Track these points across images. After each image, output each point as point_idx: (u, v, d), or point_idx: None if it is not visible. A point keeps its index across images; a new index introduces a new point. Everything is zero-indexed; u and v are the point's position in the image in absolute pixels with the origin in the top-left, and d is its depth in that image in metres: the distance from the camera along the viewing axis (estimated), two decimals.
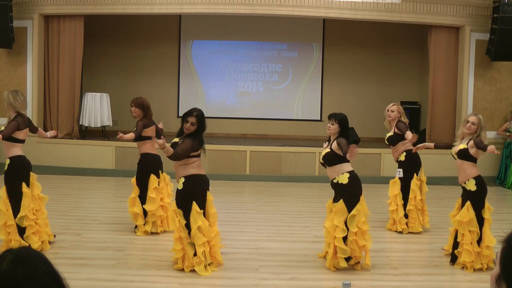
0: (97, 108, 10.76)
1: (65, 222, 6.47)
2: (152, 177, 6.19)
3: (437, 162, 10.42)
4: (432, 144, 6.40)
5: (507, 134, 10.41)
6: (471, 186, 5.18)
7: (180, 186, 4.90)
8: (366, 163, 10.07)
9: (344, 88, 12.76)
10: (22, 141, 5.42)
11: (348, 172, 5.08)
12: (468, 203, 5.16)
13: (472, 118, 5.28)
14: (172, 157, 4.80)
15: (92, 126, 10.84)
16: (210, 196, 5.04)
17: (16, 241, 5.26)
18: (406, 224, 6.56)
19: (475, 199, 5.17)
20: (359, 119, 10.76)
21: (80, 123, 10.93)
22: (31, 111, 9.93)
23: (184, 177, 4.89)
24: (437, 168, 10.35)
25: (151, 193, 6.14)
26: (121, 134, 6.01)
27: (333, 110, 5.46)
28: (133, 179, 6.32)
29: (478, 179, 5.21)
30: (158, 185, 6.25)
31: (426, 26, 10.95)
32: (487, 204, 5.23)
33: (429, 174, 10.08)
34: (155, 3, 10.21)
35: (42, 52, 10.58)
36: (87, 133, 11.01)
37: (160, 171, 6.33)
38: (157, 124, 6.49)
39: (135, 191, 6.24)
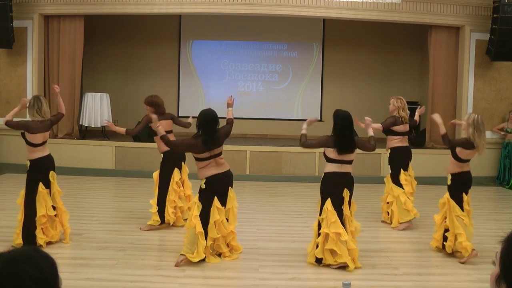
0: (97, 108, 10.76)
1: None
2: (176, 171, 6.45)
3: (436, 162, 10.42)
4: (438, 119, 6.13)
5: (502, 133, 10.41)
6: (448, 180, 5.64)
7: (203, 186, 5.18)
8: (366, 163, 10.07)
9: (344, 88, 12.76)
10: (38, 145, 5.57)
11: (324, 173, 5.25)
12: (446, 193, 5.63)
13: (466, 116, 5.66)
14: (165, 143, 5.26)
15: (92, 126, 10.85)
16: (232, 192, 5.28)
17: (17, 235, 5.53)
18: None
19: (451, 190, 5.58)
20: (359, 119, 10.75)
21: (80, 123, 10.93)
22: None
23: (206, 178, 5.16)
24: (437, 168, 10.35)
25: (173, 184, 6.41)
26: (111, 124, 6.16)
27: (333, 110, 5.45)
28: (155, 174, 6.54)
29: (454, 176, 5.59)
30: (181, 177, 6.52)
31: (426, 26, 10.95)
32: (465, 197, 5.52)
33: (428, 174, 10.17)
34: (155, 3, 10.21)
35: (42, 52, 10.58)
36: (87, 133, 11.01)
37: (183, 163, 6.56)
38: (176, 118, 6.73)
39: (155, 186, 6.51)
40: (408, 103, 11.94)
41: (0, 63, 10.55)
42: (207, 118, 5.15)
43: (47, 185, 5.56)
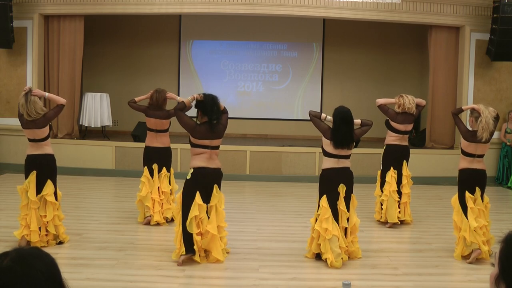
0: (97, 108, 10.76)
1: (65, 222, 6.44)
2: (144, 169, 6.65)
3: (436, 162, 10.43)
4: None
5: (505, 134, 10.41)
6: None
7: (189, 176, 5.15)
8: (366, 163, 10.07)
9: (344, 88, 12.76)
10: (28, 140, 5.54)
11: (322, 169, 5.40)
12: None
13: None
14: (177, 107, 5.28)
15: (92, 126, 10.85)
16: (217, 190, 5.19)
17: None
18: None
19: (459, 187, 5.62)
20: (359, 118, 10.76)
21: (80, 123, 10.93)
22: None
23: (194, 168, 5.14)
24: (437, 168, 10.36)
25: (140, 182, 6.63)
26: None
27: (333, 110, 5.49)
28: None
29: (459, 172, 5.62)
30: (152, 176, 6.60)
31: (426, 26, 10.95)
32: (468, 194, 5.49)
33: (429, 174, 10.18)
34: (155, 3, 10.21)
35: (42, 52, 10.58)
36: (87, 133, 11.01)
37: (156, 165, 6.63)
38: (163, 118, 6.71)
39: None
40: None
41: (0, 63, 10.55)
42: (210, 103, 5.15)
43: (30, 183, 5.46)
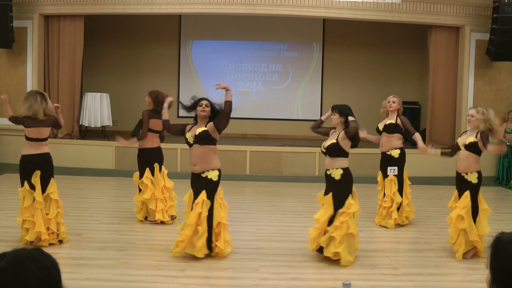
0: (97, 108, 10.77)
1: (65, 222, 6.43)
2: (146, 170, 6.57)
3: (437, 162, 10.41)
4: (438, 152, 6.08)
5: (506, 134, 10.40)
6: (473, 178, 5.49)
7: (215, 178, 5.22)
8: (365, 163, 10.07)
9: (344, 88, 12.75)
10: (29, 139, 5.53)
11: (343, 168, 5.23)
12: (467, 192, 5.46)
13: (471, 111, 5.58)
14: (228, 107, 5.49)
15: (92, 126, 10.85)
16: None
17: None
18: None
19: (475, 190, 5.49)
20: (359, 119, 10.57)
21: (80, 123, 10.93)
22: None
23: (218, 169, 5.26)
24: (437, 168, 10.35)
25: (141, 184, 6.56)
26: (121, 139, 6.37)
27: (334, 107, 5.53)
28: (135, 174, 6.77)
29: (480, 173, 5.54)
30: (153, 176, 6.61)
31: (426, 26, 10.95)
32: (480, 195, 5.52)
33: (429, 175, 10.18)
34: (155, 3, 10.21)
35: (42, 52, 10.58)
36: (87, 133, 11.01)
37: (157, 164, 6.65)
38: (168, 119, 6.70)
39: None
40: (408, 103, 12.08)
41: (0, 63, 10.55)
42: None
43: (30, 185, 5.45)
